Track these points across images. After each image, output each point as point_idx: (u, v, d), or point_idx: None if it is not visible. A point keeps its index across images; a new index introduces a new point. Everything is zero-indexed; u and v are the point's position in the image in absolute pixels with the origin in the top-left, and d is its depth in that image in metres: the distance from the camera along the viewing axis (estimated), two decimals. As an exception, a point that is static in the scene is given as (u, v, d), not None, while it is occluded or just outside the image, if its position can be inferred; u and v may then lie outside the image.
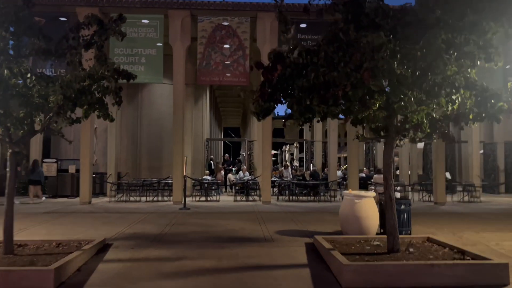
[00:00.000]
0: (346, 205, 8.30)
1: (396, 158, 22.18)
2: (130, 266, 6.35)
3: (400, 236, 6.97)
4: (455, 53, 4.55)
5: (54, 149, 18.78)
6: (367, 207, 8.10)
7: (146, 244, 7.67)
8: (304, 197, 15.65)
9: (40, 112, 6.77)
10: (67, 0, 13.93)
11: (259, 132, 17.52)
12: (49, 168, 15.92)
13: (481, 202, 15.27)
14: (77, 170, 16.02)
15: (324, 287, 5.52)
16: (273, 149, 16.38)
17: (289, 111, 6.29)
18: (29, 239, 7.42)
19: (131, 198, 15.03)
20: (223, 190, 17.71)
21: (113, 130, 16.84)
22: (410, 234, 8.29)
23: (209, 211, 12.49)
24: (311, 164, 20.97)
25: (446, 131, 5.69)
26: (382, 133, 6.42)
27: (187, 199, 13.28)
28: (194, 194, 15.95)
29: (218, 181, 16.67)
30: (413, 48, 4.40)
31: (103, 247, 7.40)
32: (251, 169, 19.39)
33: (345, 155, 30.54)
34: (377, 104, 5.10)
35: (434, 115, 5.68)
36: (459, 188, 17.11)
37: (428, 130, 5.61)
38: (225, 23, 14.39)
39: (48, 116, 6.68)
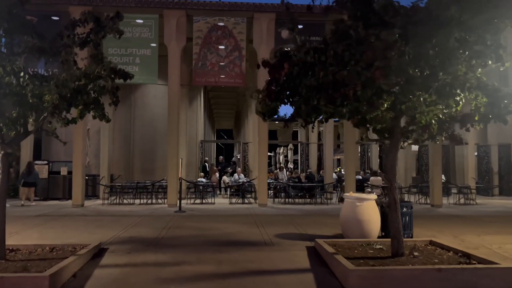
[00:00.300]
0: (348, 208, 8.16)
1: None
2: (128, 271, 6.13)
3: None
4: (466, 52, 4.43)
5: (45, 150, 18.40)
6: (369, 210, 7.97)
7: (143, 249, 7.45)
8: (300, 200, 15.49)
9: (34, 112, 6.53)
10: (60, -1, 13.66)
11: (254, 133, 17.37)
12: (40, 170, 15.56)
13: (476, 205, 15.25)
14: (69, 172, 15.73)
15: (330, 293, 5.37)
16: (267, 151, 16.23)
17: (288, 112, 6.17)
18: (21, 244, 7.17)
19: (125, 201, 14.75)
20: (218, 192, 17.50)
21: (106, 131, 16.58)
22: (412, 237, 8.18)
23: (205, 214, 12.28)
24: (307, 167, 20.84)
25: (454, 133, 5.57)
26: (386, 135, 6.29)
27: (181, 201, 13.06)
28: (188, 196, 15.72)
29: (213, 184, 16.46)
30: (425, 46, 4.27)
31: (99, 251, 7.17)
32: (245, 171, 19.20)
33: (338, 157, 30.51)
34: (385, 105, 4.97)
35: (440, 116, 5.57)
36: (454, 191, 17.11)
37: (436, 132, 5.49)
38: (221, 24, 14.22)
39: (42, 116, 6.45)
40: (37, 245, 7.13)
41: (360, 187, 14.78)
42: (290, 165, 24.74)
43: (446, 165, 21.03)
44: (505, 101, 4.87)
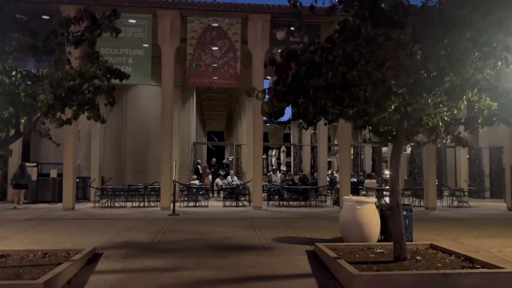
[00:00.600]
0: (347, 211, 8.05)
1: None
2: (124, 278, 5.93)
3: (403, 243, 6.74)
4: (476, 53, 4.34)
5: (34, 152, 18.01)
6: (369, 213, 7.87)
7: (139, 254, 7.24)
8: (295, 202, 15.37)
9: (27, 113, 6.31)
10: (51, -3, 13.37)
11: (249, 135, 17.21)
12: (29, 172, 15.20)
13: (470, 207, 15.30)
14: (59, 175, 15.41)
15: (335, 299, 5.24)
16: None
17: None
18: (12, 249, 6.94)
19: (116, 204, 14.47)
20: (211, 195, 17.30)
21: (97, 133, 16.29)
22: (411, 241, 8.09)
23: (199, 217, 12.08)
24: (300, 169, 20.74)
25: (459, 135, 5.50)
26: (389, 137, 6.20)
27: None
28: (181, 199, 15.49)
29: (207, 186, 16.26)
30: (436, 46, 4.18)
31: (93, 256, 6.94)
32: (239, 173, 19.03)
33: (329, 159, 30.49)
34: (392, 106, 4.87)
35: (445, 118, 5.49)
36: (445, 193, 17.15)
37: (444, 134, 5.41)
38: (216, 24, 14.06)
39: (36, 117, 6.22)
40: (28, 250, 6.89)
41: (355, 189, 14.71)
42: (283, 168, 24.63)
43: (438, 168, 21.08)
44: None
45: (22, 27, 6.58)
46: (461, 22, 3.97)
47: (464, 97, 5.69)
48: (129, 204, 14.62)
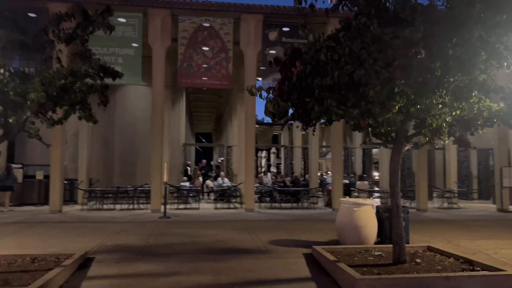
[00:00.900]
0: (344, 213, 7.96)
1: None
2: (119, 283, 5.72)
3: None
4: (482, 53, 4.27)
5: (19, 153, 17.53)
6: (366, 215, 7.79)
7: (132, 258, 7.03)
8: (287, 204, 15.25)
9: (16, 112, 6.05)
10: (38, -6, 13.03)
11: (240, 137, 17.06)
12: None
13: (460, 209, 15.40)
14: (45, 176, 15.04)
15: (337, 303, 5.12)
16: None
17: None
18: (-1, 254, 6.64)
19: (105, 206, 14.17)
20: (201, 197, 17.06)
21: (84, 134, 15.92)
22: (408, 243, 8.03)
23: (191, 219, 11.87)
24: (291, 170, 20.65)
25: (462, 136, 5.45)
26: (390, 138, 6.12)
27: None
28: (171, 201, 15.23)
29: (198, 188, 16.04)
30: (444, 45, 4.10)
31: (85, 261, 6.71)
32: (229, 175, 18.85)
33: (319, 161, 30.50)
34: (397, 107, 4.79)
35: (447, 119, 5.44)
36: (434, 194, 17.24)
37: (446, 135, 5.35)
38: (207, 24, 13.88)
39: (25, 116, 5.98)
40: (16, 255, 6.63)
41: (346, 191, 14.66)
42: (273, 169, 24.52)
43: (427, 169, 21.24)
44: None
45: (10, 23, 6.35)
46: (471, 21, 3.90)
47: (474, 97, 5.63)
48: (118, 206, 14.31)
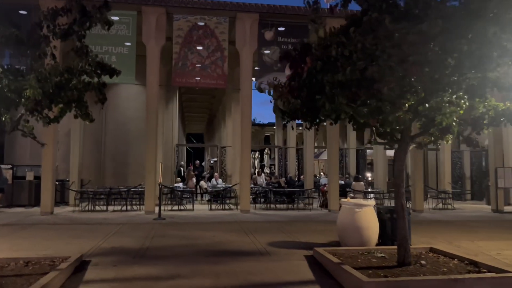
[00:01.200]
0: (345, 214, 7.83)
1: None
2: (117, 287, 5.52)
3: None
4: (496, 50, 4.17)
5: (8, 154, 17.16)
6: (368, 216, 7.68)
7: (130, 261, 6.82)
8: (282, 205, 15.11)
9: (9, 109, 5.82)
10: (29, -9, 12.72)
11: (235, 137, 16.89)
12: (3, 175, 14.43)
13: (454, 209, 15.42)
14: (36, 177, 14.70)
15: (345, 307, 4.99)
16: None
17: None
18: (-9, 257, 6.39)
19: (97, 208, 13.88)
20: (195, 198, 16.84)
21: (76, 134, 15.61)
22: (410, 244, 7.93)
23: (186, 221, 11.66)
24: (285, 171, 20.53)
25: (470, 135, 5.36)
26: (394, 138, 6.02)
27: (158, 208, 12.32)
28: (165, 202, 14.99)
29: (193, 189, 15.82)
30: (459, 42, 3.99)
31: (80, 264, 6.49)
32: (223, 176, 18.65)
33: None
34: (406, 105, 4.68)
35: (455, 118, 5.34)
36: (428, 195, 17.24)
37: (456, 134, 5.25)
38: (203, 23, 13.69)
39: (20, 114, 5.75)
40: (9, 258, 6.39)
41: (342, 192, 14.56)
42: (267, 170, 24.38)
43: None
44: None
45: (4, 18, 6.12)
46: (485, 16, 3.80)
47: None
48: (110, 207, 14.04)
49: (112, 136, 18.34)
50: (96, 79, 6.35)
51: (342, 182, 14.80)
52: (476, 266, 6.13)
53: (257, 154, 25.47)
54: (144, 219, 11.87)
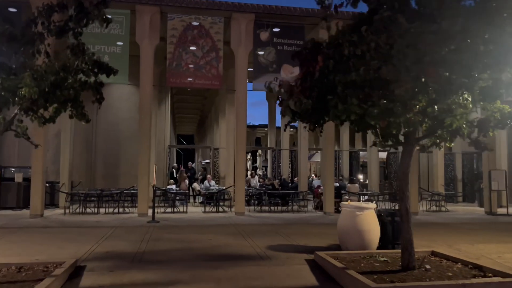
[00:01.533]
0: (346, 217, 7.72)
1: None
2: (116, 294, 5.32)
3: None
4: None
5: (-5, 155, 16.73)
6: (369, 219, 7.58)
7: (126, 265, 6.61)
8: (277, 208, 14.97)
9: (1, 109, 5.57)
10: (19, -11, 12.39)
11: (229, 139, 16.74)
12: (-9, 177, 14.05)
13: (448, 212, 15.44)
14: (24, 179, 14.33)
15: (353, 314, 4.85)
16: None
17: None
18: (-19, 263, 6.12)
19: (88, 210, 13.58)
20: (188, 200, 16.60)
21: (66, 135, 15.28)
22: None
23: (181, 224, 11.45)
24: (278, 173, 20.39)
25: (478, 138, 5.28)
26: (399, 140, 5.92)
27: (151, 211, 12.07)
28: (157, 205, 14.73)
29: (186, 191, 15.59)
30: (475, 42, 3.89)
31: (75, 270, 6.25)
32: (215, 178, 18.44)
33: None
34: (417, 106, 4.57)
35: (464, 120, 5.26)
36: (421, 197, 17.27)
37: (466, 136, 5.16)
38: (197, 23, 13.50)
39: (14, 114, 5.51)
40: (1, 264, 6.12)
41: (337, 194, 14.47)
42: (259, 172, 24.23)
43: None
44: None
45: (-3, 14, 5.87)
46: (502, 15, 3.70)
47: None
48: (102, 210, 13.75)
49: (103, 137, 18.03)
50: (93, 78, 6.12)
51: (337, 184, 14.70)
52: (481, 270, 6.06)
53: (249, 155, 25.28)
54: (137, 222, 11.62)
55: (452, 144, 6.32)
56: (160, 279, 5.91)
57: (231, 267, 6.57)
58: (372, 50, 4.17)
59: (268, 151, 23.07)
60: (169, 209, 14.20)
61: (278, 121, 22.19)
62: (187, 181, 17.38)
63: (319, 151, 21.92)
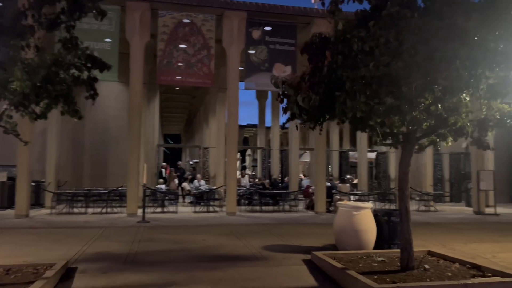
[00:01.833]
0: (343, 217, 7.65)
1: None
2: (110, 297, 5.13)
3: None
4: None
5: (-22, 153, 16.22)
6: (366, 219, 7.52)
7: (119, 267, 6.41)
8: (268, 207, 14.86)
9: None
10: (5, -19, 12.00)
11: (219, 138, 16.58)
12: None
13: (437, 211, 15.55)
14: (9, 178, 13.94)
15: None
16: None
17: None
18: (-33, 266, 5.86)
19: (75, 210, 13.27)
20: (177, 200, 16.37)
21: (53, 133, 14.90)
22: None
23: (172, 224, 11.25)
24: (268, 173, 20.30)
25: (480, 137, 5.25)
26: (399, 139, 5.86)
27: (140, 210, 11.84)
28: (147, 205, 14.47)
29: (176, 191, 15.38)
30: (485, 38, 3.83)
31: (66, 272, 6.04)
32: (205, 177, 18.24)
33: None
34: (422, 104, 4.51)
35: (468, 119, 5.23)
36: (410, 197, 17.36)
37: (470, 135, 5.12)
38: (189, 20, 13.30)
39: (3, 109, 5.28)
40: (-13, 266, 5.88)
41: (329, 194, 14.43)
42: (249, 171, 24.10)
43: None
44: None
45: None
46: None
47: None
48: (90, 210, 13.46)
49: (90, 135, 17.70)
50: (86, 73, 5.92)
51: (328, 184, 14.66)
52: (479, 270, 6.04)
53: (238, 155, 25.13)
54: (127, 222, 11.39)
55: (449, 144, 6.28)
56: (155, 281, 5.74)
57: (228, 268, 6.44)
58: (382, 46, 4.09)
59: (258, 151, 22.96)
60: (158, 209, 13.97)
61: (268, 121, 22.07)
62: (176, 181, 17.17)
63: (307, 151, 21.88)
